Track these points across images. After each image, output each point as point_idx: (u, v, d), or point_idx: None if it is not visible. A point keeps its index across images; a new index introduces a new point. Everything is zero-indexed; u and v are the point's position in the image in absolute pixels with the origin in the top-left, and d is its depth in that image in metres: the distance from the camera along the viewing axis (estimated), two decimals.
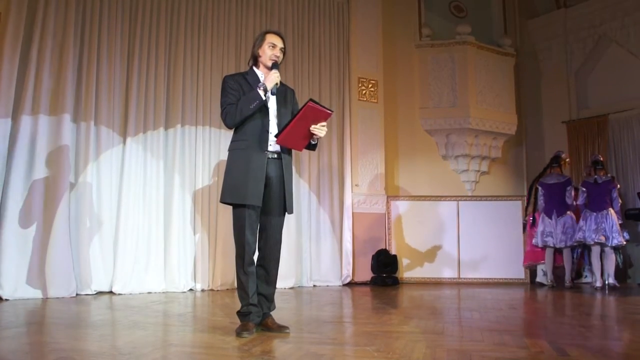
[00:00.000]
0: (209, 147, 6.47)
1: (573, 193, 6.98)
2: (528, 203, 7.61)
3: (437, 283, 7.54)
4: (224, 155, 3.49)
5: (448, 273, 7.68)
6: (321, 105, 3.22)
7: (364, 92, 7.81)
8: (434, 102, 8.41)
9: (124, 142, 5.95)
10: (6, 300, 4.94)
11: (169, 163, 6.24)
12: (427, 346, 2.86)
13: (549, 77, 9.29)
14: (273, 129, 3.35)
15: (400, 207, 7.85)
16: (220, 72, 6.46)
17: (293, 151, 3.54)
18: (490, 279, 7.61)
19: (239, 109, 3.29)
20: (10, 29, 5.26)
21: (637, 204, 7.58)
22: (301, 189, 7.08)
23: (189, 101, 6.40)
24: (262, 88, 3.28)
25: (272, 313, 3.47)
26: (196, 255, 6.25)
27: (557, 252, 7.13)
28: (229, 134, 3.46)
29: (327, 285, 7.08)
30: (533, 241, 7.20)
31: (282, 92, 3.49)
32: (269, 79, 3.32)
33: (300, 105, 3.35)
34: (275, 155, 3.36)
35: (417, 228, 7.79)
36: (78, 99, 5.69)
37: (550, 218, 7.01)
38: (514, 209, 7.72)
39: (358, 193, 7.58)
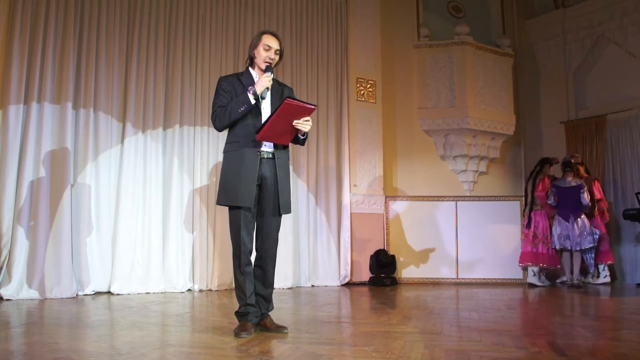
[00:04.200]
0: (207, 148, 6.47)
1: (587, 195, 7.05)
2: (531, 202, 7.39)
3: (436, 283, 7.54)
4: (222, 156, 3.49)
5: (446, 273, 7.68)
6: (301, 101, 3.21)
7: (362, 92, 7.81)
8: (433, 102, 8.41)
9: (122, 142, 5.95)
10: (7, 300, 4.94)
11: (167, 163, 6.23)
12: (425, 346, 2.86)
13: (547, 77, 9.29)
14: None
15: (399, 207, 7.85)
16: (218, 73, 6.45)
17: (290, 150, 3.53)
18: (488, 279, 7.61)
19: (228, 112, 3.30)
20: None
21: (636, 204, 7.58)
22: (299, 189, 7.07)
23: (188, 101, 6.39)
24: (251, 92, 3.26)
25: (270, 313, 3.47)
26: (194, 255, 6.24)
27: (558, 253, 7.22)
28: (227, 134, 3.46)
29: (326, 286, 7.07)
30: (553, 244, 7.21)
31: (278, 91, 3.48)
32: (259, 83, 3.30)
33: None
34: (270, 155, 3.35)
35: (416, 228, 7.79)
36: (77, 100, 5.68)
37: (568, 221, 7.05)
38: (512, 209, 7.71)
39: (356, 193, 7.58)
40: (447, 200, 7.90)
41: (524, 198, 7.65)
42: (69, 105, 5.55)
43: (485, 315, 4.20)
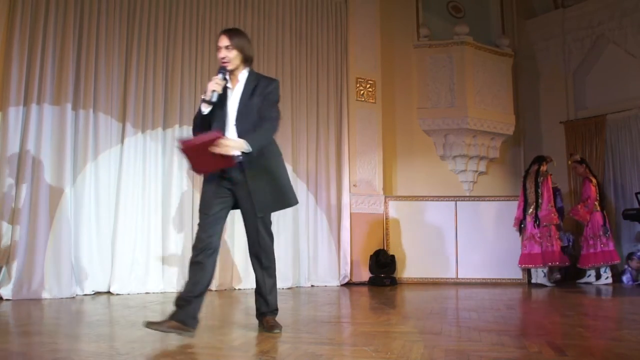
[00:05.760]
0: None
1: (560, 199, 7.77)
2: (536, 201, 7.22)
3: (435, 283, 7.54)
4: None
5: (446, 273, 7.67)
6: (189, 140, 3.13)
7: (361, 92, 7.81)
8: (432, 102, 8.41)
9: (122, 142, 5.94)
10: (7, 300, 4.93)
11: (167, 163, 6.23)
12: (425, 346, 2.86)
13: (547, 77, 9.30)
14: (231, 133, 3.21)
15: (398, 207, 7.85)
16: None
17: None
18: (488, 279, 7.61)
19: (194, 122, 3.34)
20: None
21: (635, 204, 7.59)
22: (299, 189, 7.04)
23: (187, 101, 6.39)
24: (201, 100, 3.21)
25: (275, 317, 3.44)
26: None
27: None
28: None
29: (325, 286, 7.07)
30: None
31: (250, 87, 3.31)
32: (207, 89, 3.18)
33: (276, 96, 3.34)
34: (239, 159, 3.18)
35: (415, 228, 7.79)
36: (76, 100, 5.68)
37: None
38: (512, 209, 7.70)
39: (356, 193, 7.57)
40: (446, 200, 7.90)
41: (523, 197, 7.48)
42: (69, 106, 5.55)
43: (485, 315, 4.20)
